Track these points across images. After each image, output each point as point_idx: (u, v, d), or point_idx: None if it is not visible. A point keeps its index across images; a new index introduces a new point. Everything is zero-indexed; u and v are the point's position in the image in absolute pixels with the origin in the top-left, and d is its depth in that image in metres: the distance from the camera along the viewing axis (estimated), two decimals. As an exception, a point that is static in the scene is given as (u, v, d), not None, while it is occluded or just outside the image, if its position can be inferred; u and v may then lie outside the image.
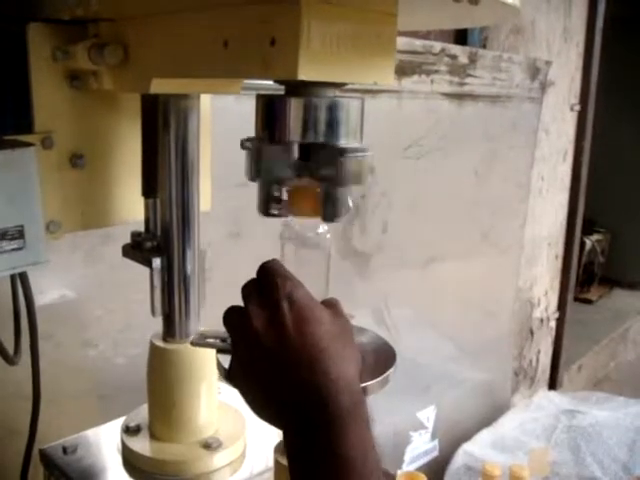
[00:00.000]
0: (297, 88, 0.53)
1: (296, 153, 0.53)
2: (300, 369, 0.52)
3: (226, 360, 0.64)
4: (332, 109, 0.52)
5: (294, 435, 0.53)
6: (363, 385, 0.60)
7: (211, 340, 0.67)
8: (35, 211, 0.66)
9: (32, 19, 0.68)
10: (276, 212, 0.56)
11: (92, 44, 0.67)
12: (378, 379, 0.62)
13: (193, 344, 0.68)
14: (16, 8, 0.69)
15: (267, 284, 0.56)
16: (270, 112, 0.54)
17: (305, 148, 0.53)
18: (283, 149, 0.53)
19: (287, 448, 0.54)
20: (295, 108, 0.52)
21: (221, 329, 0.61)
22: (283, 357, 0.53)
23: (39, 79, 0.70)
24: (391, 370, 0.65)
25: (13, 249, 0.63)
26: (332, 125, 0.52)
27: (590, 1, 2.39)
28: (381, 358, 0.67)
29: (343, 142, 0.53)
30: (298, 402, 0.52)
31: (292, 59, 0.47)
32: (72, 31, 0.70)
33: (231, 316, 0.58)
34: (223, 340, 0.67)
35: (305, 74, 0.47)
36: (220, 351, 0.66)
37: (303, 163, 0.53)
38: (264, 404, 0.55)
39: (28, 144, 0.66)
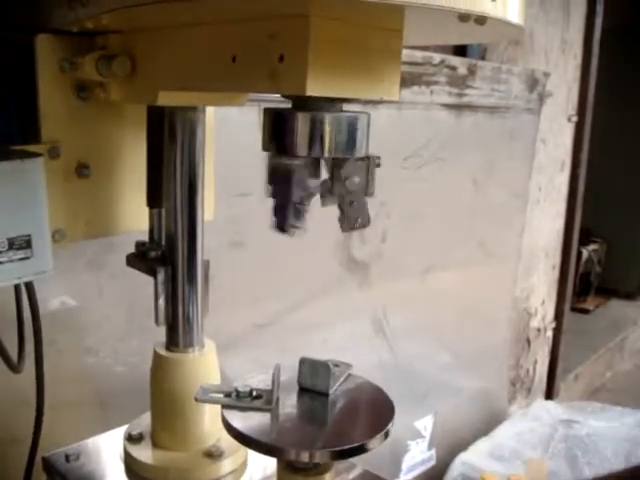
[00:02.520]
0: (304, 102, 0.53)
1: (318, 169, 0.53)
2: None
3: (232, 415, 0.64)
4: (339, 123, 0.52)
5: None
6: (364, 442, 0.60)
7: (214, 395, 0.67)
8: (42, 221, 0.66)
9: (41, 30, 0.69)
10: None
11: (100, 56, 0.68)
12: (379, 434, 0.62)
13: (197, 400, 0.68)
14: (25, 19, 0.70)
15: None
16: (277, 126, 0.54)
17: (330, 162, 0.54)
18: (307, 165, 0.53)
19: None
20: (302, 122, 0.52)
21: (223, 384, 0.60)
22: None
23: (46, 89, 0.71)
24: (391, 423, 0.64)
25: (20, 258, 0.64)
26: (340, 139, 0.53)
27: (588, 13, 2.41)
28: (379, 410, 0.67)
29: (350, 155, 0.53)
30: None
31: (301, 75, 0.48)
32: (80, 42, 0.71)
33: None
34: (227, 395, 0.67)
35: (313, 90, 0.48)
36: (225, 406, 0.66)
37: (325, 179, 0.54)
38: None
39: (36, 154, 0.66)
